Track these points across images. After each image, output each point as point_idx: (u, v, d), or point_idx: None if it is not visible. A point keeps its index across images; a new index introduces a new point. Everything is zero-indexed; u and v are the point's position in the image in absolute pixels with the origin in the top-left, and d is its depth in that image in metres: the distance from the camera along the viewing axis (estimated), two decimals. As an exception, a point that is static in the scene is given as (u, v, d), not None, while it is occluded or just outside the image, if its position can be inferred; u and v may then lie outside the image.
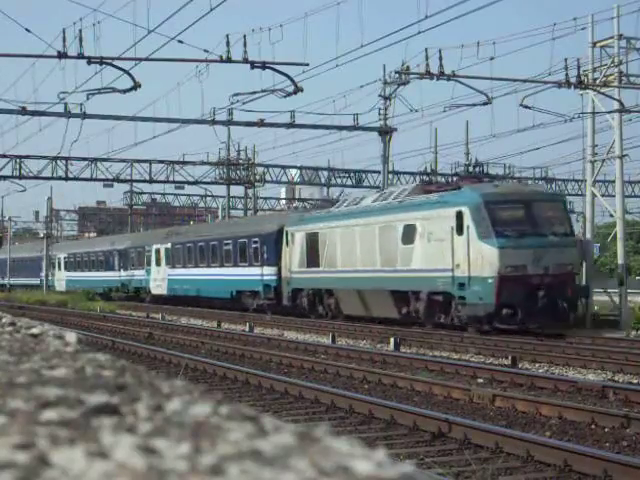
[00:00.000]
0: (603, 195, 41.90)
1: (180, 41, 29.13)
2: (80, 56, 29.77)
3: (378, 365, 18.88)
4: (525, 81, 37.46)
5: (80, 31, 29.29)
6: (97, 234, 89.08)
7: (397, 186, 38.38)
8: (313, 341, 25.27)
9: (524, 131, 43.29)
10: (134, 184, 64.41)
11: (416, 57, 54.86)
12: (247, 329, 29.80)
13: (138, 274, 52.68)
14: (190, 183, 49.98)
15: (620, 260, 31.41)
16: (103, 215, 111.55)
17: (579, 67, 36.18)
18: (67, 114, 37.04)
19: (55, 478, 0.96)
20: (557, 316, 25.18)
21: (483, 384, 15.60)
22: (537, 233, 25.90)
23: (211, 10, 26.20)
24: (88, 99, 34.22)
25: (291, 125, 40.55)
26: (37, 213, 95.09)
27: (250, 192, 61.45)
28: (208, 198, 73.21)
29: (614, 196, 35.77)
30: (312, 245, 33.84)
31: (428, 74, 34.45)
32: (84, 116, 37.15)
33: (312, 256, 33.78)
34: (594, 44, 39.05)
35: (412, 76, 36.42)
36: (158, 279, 49.42)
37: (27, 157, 45.63)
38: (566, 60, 35.62)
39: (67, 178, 45.98)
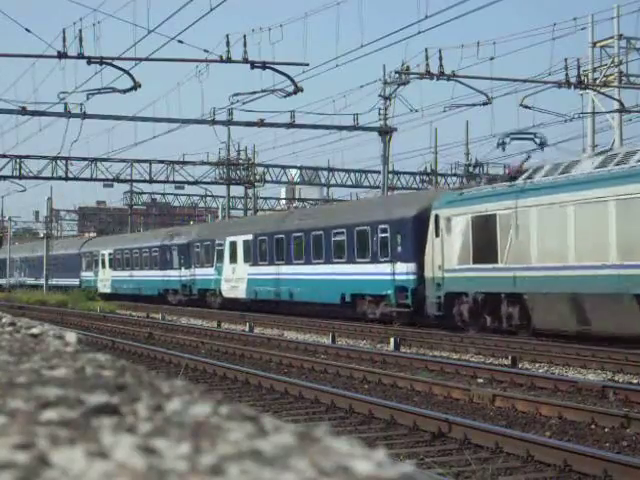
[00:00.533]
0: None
1: (180, 41, 29.14)
2: (80, 56, 29.78)
3: (378, 365, 18.88)
4: (525, 81, 37.46)
5: (80, 31, 29.31)
6: (97, 234, 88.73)
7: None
8: (313, 341, 25.27)
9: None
10: (134, 184, 64.47)
11: (416, 57, 54.89)
12: (247, 329, 29.80)
13: (204, 273, 43.88)
14: (190, 183, 50.02)
15: None
16: (103, 215, 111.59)
17: (579, 67, 36.20)
18: (67, 114, 37.05)
19: (55, 478, 0.96)
20: None
21: (483, 384, 15.60)
22: None
23: (211, 10, 26.21)
24: (88, 99, 34.27)
25: (291, 125, 40.57)
26: (37, 213, 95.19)
27: (250, 192, 61.48)
28: (208, 198, 73.27)
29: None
30: (483, 233, 25.11)
31: (428, 74, 34.47)
32: (84, 116, 37.17)
33: (483, 248, 25.11)
34: (594, 44, 39.07)
35: (412, 76, 36.44)
36: (233, 279, 40.62)
37: (27, 157, 45.66)
38: (566, 60, 35.64)
39: (67, 178, 46.01)
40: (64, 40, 29.76)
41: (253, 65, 31.19)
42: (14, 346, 2.12)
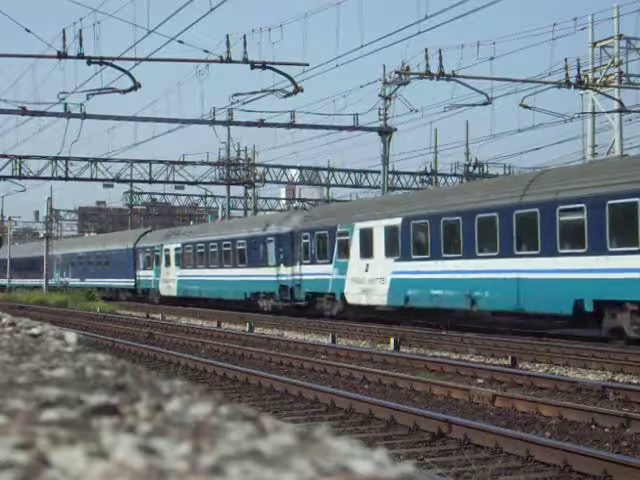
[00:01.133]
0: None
1: (180, 41, 29.18)
2: (80, 56, 29.79)
3: (378, 365, 18.88)
4: (525, 81, 37.47)
5: (80, 31, 29.33)
6: (97, 234, 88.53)
7: None
8: (313, 341, 25.26)
9: (524, 131, 43.34)
10: (134, 184, 64.47)
11: (416, 57, 54.90)
12: (247, 329, 29.80)
13: (316, 271, 34.06)
14: (190, 183, 50.02)
15: None
16: (103, 215, 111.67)
17: (579, 67, 36.21)
18: (67, 114, 37.06)
19: (55, 478, 0.96)
20: None
21: (483, 384, 15.60)
22: None
23: (211, 10, 26.24)
24: (88, 99, 34.30)
25: (291, 125, 40.56)
26: (37, 213, 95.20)
27: (250, 192, 61.49)
28: (208, 198, 73.28)
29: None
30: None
31: (428, 74, 34.48)
32: (84, 116, 37.18)
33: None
34: (594, 44, 39.08)
35: (412, 76, 36.45)
36: (365, 279, 31.10)
37: (27, 157, 45.67)
38: (566, 60, 35.67)
39: (67, 178, 46.01)
40: (64, 40, 29.78)
41: (253, 65, 31.20)
42: (14, 346, 2.12)
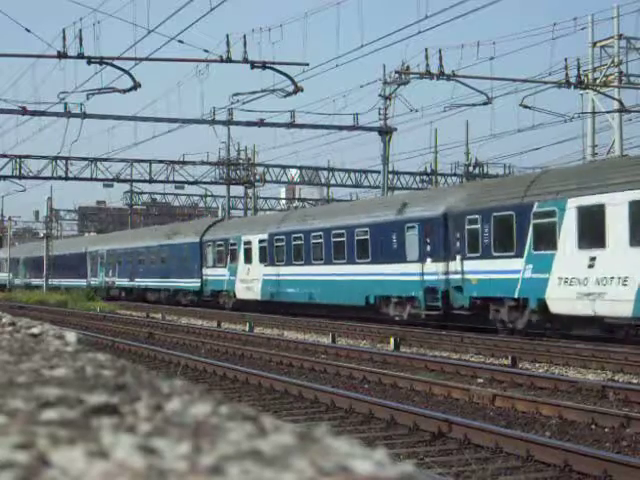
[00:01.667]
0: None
1: (180, 41, 29.20)
2: (80, 56, 29.81)
3: (378, 365, 18.88)
4: (525, 81, 37.48)
5: (80, 31, 29.35)
6: (97, 234, 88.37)
7: None
8: (313, 341, 25.26)
9: (524, 131, 43.36)
10: (134, 184, 64.48)
11: (416, 57, 54.94)
12: (247, 329, 29.80)
13: (489, 268, 24.86)
14: (190, 183, 50.03)
15: None
16: (103, 215, 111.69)
17: (579, 67, 36.23)
18: (67, 114, 37.08)
19: (55, 478, 0.96)
20: None
21: (483, 384, 15.60)
22: None
23: (211, 10, 26.25)
24: (88, 99, 34.32)
25: (291, 125, 40.58)
26: (37, 213, 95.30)
27: (250, 192, 61.50)
28: (208, 198, 73.31)
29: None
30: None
31: (428, 74, 34.49)
32: (84, 116, 37.19)
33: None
34: (594, 44, 39.09)
35: (412, 76, 36.46)
36: (580, 280, 22.33)
37: (27, 157, 45.69)
38: (566, 60, 35.69)
39: (67, 178, 46.03)
40: (64, 40, 29.80)
41: (253, 65, 31.21)
42: (14, 346, 2.12)
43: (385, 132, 40.24)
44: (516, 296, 24.07)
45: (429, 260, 27.94)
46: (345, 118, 47.77)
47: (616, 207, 21.18)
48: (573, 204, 22.43)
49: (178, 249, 46.56)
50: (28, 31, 30.09)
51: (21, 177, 45.95)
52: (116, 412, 1.25)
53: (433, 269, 27.65)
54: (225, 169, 52.14)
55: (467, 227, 26.03)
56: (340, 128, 41.91)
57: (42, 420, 1.18)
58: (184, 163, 48.71)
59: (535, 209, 23.47)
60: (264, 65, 31.32)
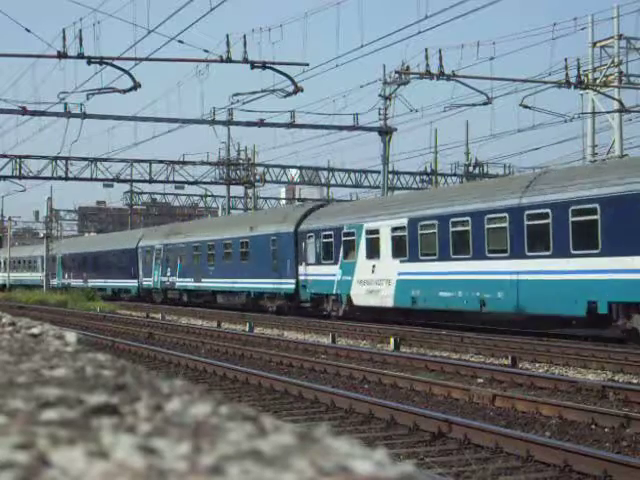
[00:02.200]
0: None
1: (180, 41, 29.20)
2: (80, 56, 29.82)
3: (378, 365, 18.88)
4: (525, 81, 37.49)
5: (80, 31, 29.36)
6: (96, 234, 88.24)
7: None
8: (313, 341, 25.26)
9: (524, 131, 43.38)
10: (134, 184, 64.47)
11: (416, 57, 54.96)
12: (247, 329, 29.79)
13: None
14: (190, 183, 50.03)
15: None
16: (103, 215, 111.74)
17: (579, 67, 36.24)
18: (67, 114, 37.08)
19: (55, 478, 0.96)
20: None
21: (483, 384, 15.60)
22: None
23: (211, 10, 26.26)
24: (88, 99, 34.33)
25: (291, 125, 40.58)
26: (37, 213, 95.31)
27: (250, 192, 61.51)
28: (208, 198, 73.29)
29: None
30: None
31: (428, 74, 34.49)
32: (84, 116, 37.20)
33: None
34: (594, 44, 39.10)
35: (412, 76, 36.46)
36: None
37: (27, 157, 45.70)
38: (566, 60, 35.69)
39: (67, 178, 46.03)
40: (64, 40, 29.80)
41: (253, 65, 31.21)
42: (14, 346, 2.12)
43: (385, 132, 40.24)
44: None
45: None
46: (345, 118, 47.85)
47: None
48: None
49: (263, 242, 37.62)
50: (28, 31, 30.12)
51: (21, 177, 45.97)
52: (116, 412, 1.25)
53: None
54: (225, 169, 52.14)
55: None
56: (340, 128, 41.92)
57: (42, 420, 1.18)
58: (184, 163, 48.72)
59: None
60: (264, 65, 31.33)
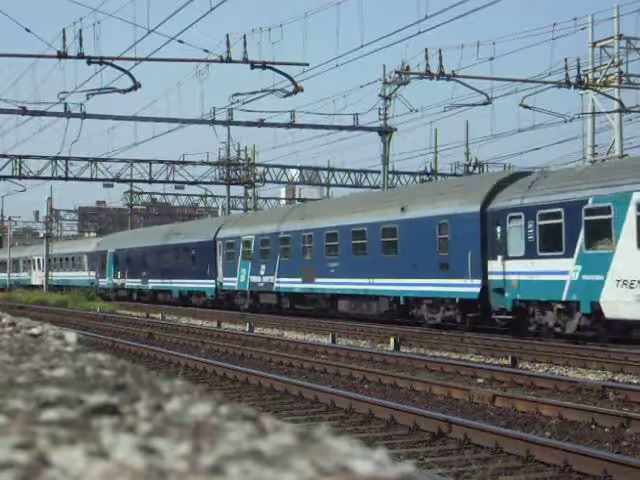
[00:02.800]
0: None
1: (180, 41, 29.19)
2: (80, 56, 29.81)
3: (378, 365, 18.88)
4: (525, 81, 37.48)
5: (80, 31, 29.35)
6: (97, 234, 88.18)
7: None
8: (313, 341, 25.26)
9: (524, 131, 43.37)
10: (134, 184, 64.47)
11: (416, 57, 54.97)
12: (247, 329, 29.79)
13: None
14: (190, 183, 50.03)
15: None
16: (103, 215, 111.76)
17: (579, 67, 36.23)
18: (67, 114, 37.08)
19: (55, 478, 0.96)
20: None
21: (483, 384, 15.60)
22: None
23: (211, 10, 26.25)
24: (88, 99, 34.32)
25: (291, 125, 40.58)
26: (37, 213, 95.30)
27: (250, 192, 61.50)
28: (208, 198, 73.27)
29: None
30: None
31: (428, 74, 34.48)
32: (84, 116, 37.19)
33: None
34: (594, 44, 39.09)
35: (412, 76, 36.45)
36: None
37: (27, 157, 45.70)
38: (566, 60, 35.69)
39: (67, 178, 46.03)
40: (64, 40, 29.80)
41: (253, 65, 31.21)
42: (14, 346, 2.12)
43: (385, 132, 40.24)
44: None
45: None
46: (345, 118, 47.83)
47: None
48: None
49: (422, 228, 27.46)
50: (28, 31, 30.11)
51: (21, 177, 45.96)
52: (116, 412, 1.25)
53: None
54: (225, 169, 52.13)
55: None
56: (340, 128, 41.91)
57: (42, 420, 1.18)
58: (184, 163, 48.71)
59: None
60: (264, 65, 31.32)
